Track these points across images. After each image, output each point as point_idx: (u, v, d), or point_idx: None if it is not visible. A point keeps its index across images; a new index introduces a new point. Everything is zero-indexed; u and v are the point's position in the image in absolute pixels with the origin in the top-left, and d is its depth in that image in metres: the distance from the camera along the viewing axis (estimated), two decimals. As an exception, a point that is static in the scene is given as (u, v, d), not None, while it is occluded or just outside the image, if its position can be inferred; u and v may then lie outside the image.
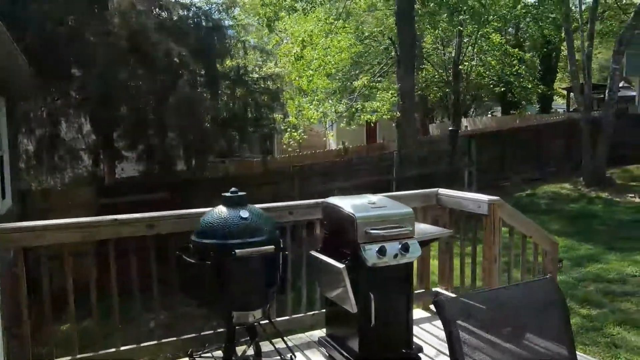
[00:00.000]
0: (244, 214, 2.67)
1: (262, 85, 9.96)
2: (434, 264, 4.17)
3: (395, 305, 3.00)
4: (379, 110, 12.04)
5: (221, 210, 2.71)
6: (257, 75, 9.76)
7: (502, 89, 17.96)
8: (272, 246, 2.64)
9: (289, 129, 12.39)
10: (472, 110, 29.47)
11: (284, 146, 16.77)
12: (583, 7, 14.97)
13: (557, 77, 31.18)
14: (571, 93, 27.50)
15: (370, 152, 14.27)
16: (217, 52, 8.90)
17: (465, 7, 12.35)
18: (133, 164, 9.69)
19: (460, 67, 18.36)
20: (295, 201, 3.53)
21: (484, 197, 3.55)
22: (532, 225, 3.87)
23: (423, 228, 3.31)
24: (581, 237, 8.03)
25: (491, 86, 18.45)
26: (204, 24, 8.98)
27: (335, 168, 10.67)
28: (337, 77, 15.80)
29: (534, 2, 16.90)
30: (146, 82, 8.80)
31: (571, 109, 26.83)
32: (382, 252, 2.77)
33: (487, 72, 17.51)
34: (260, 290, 2.72)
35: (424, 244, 3.23)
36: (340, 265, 2.77)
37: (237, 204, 2.73)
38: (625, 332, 4.42)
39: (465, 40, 17.94)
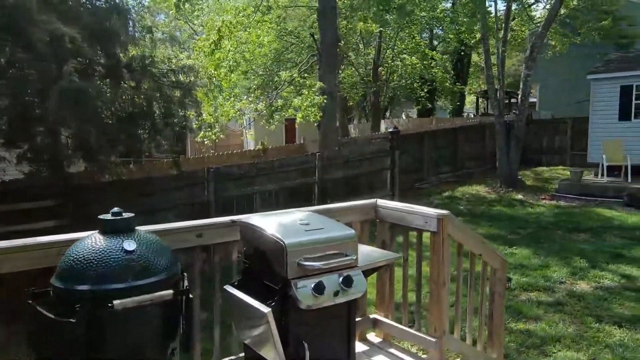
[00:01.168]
0: (129, 245, 1.89)
1: (173, 79, 8.92)
2: (370, 283, 3.62)
3: (334, 353, 2.39)
4: (306, 109, 11.43)
5: (96, 240, 1.91)
6: (166, 68, 8.71)
7: (429, 88, 18.21)
8: (170, 291, 1.90)
9: (203, 127, 11.42)
10: (388, 112, 29.97)
11: (198, 146, 15.66)
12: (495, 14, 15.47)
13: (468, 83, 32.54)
14: (480, 98, 28.95)
15: (290, 153, 13.65)
16: (119, 38, 7.76)
17: (393, 6, 12.12)
18: (19, 164, 8.26)
19: (380, 68, 18.37)
20: (205, 219, 2.79)
21: (432, 212, 3.04)
22: (481, 242, 3.44)
23: (366, 252, 2.72)
24: (504, 240, 8.00)
25: (419, 84, 18.63)
26: (102, 4, 7.82)
27: (255, 170, 9.89)
28: (259, 74, 15.03)
29: (452, 6, 17.31)
30: (31, 70, 7.46)
31: (479, 113, 28.17)
32: (319, 289, 2.14)
33: (411, 73, 17.63)
34: (153, 352, 1.97)
35: (369, 273, 2.65)
36: (265, 309, 2.09)
37: (120, 231, 1.95)
38: (565, 350, 4.17)
39: (383, 44, 17.99)
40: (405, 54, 17.55)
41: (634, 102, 12.32)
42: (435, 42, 26.28)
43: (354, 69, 18.44)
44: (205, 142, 12.47)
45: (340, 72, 18.11)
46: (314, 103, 10.46)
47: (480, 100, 30.12)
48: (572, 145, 16.69)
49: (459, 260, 3.28)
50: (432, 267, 3.08)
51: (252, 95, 12.68)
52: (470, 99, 37.59)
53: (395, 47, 17.43)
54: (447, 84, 18.93)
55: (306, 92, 11.09)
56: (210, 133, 11.90)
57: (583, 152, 13.76)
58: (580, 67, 17.10)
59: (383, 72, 18.44)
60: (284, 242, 2.14)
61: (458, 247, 3.26)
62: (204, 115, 10.68)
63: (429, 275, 3.10)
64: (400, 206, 3.31)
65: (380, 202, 3.43)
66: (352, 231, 2.38)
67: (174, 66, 8.81)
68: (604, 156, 11.83)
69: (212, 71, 11.19)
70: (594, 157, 12.84)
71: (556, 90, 21.30)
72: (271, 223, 2.33)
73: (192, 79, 8.53)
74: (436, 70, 17.53)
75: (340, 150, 11.54)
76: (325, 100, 11.01)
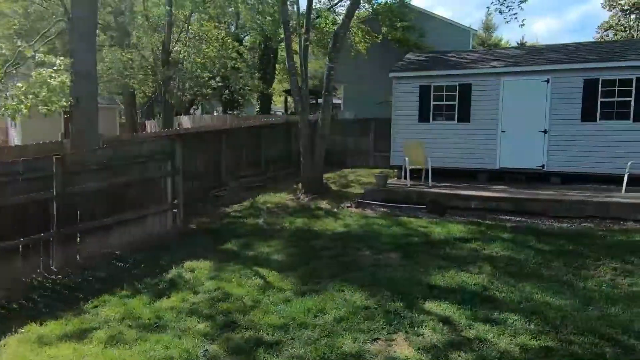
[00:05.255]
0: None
1: None
2: None
3: None
4: (41, 95, 8.12)
5: None
6: None
7: (219, 83, 15.88)
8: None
9: None
10: (193, 107, 27.17)
11: None
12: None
13: (276, 80, 31.70)
14: (288, 96, 28.14)
15: (37, 154, 10.03)
16: None
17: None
18: None
19: (172, 54, 15.58)
20: None
21: None
22: None
23: None
24: (304, 272, 6.25)
25: (208, 79, 16.22)
26: None
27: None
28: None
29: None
30: None
31: (288, 113, 27.32)
32: None
33: (205, 62, 15.16)
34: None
35: None
36: None
37: None
38: None
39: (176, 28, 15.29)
40: (201, 40, 15.11)
41: (432, 102, 12.07)
42: (242, 35, 24.45)
43: (137, 50, 15.27)
44: None
45: (124, 53, 14.83)
46: (50, 86, 7.36)
47: (289, 99, 29.38)
48: (375, 147, 16.44)
49: None
50: None
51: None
52: (280, 99, 36.96)
53: (190, 31, 14.87)
54: (251, 80, 17.09)
55: (44, 72, 7.86)
56: None
57: (386, 154, 13.24)
58: (382, 69, 16.97)
59: (178, 59, 15.67)
60: None
61: None
62: None
63: None
64: None
65: None
66: None
67: None
68: (406, 159, 11.24)
69: None
70: (396, 159, 12.30)
71: (360, 91, 21.34)
72: None
73: None
74: (237, 63, 15.51)
75: (101, 151, 8.57)
76: (72, 82, 7.97)
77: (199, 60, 14.91)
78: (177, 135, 11.12)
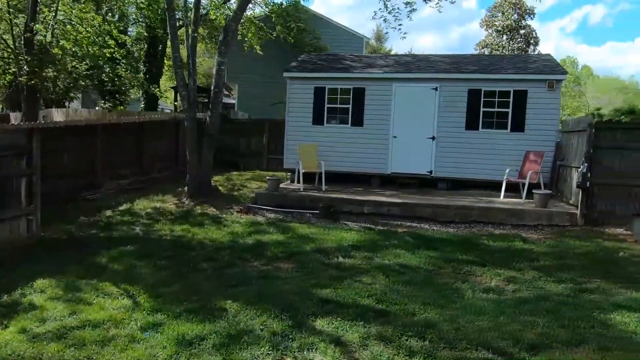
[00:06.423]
0: None
1: None
2: None
3: None
4: None
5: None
6: None
7: (89, 72, 14.17)
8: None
9: None
10: (68, 100, 24.47)
11: None
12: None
13: (167, 76, 29.86)
14: (178, 92, 26.53)
15: None
16: None
17: None
18: None
19: (38, 35, 13.62)
20: None
21: None
22: None
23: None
24: (182, 286, 5.51)
25: (85, 68, 14.43)
26: None
27: None
28: None
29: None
30: None
31: (177, 110, 25.76)
32: None
33: (75, 48, 13.42)
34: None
35: None
36: None
37: None
38: None
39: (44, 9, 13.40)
40: (73, 24, 13.39)
41: (326, 105, 11.84)
42: (125, 25, 22.50)
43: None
44: None
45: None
46: None
47: (179, 95, 27.78)
48: (269, 149, 15.89)
49: None
50: None
51: None
52: (171, 96, 34.98)
53: (57, 11, 13.09)
54: (134, 74, 15.59)
55: None
56: None
57: (281, 156, 12.76)
58: (278, 70, 16.51)
59: (42, 41, 13.73)
60: None
61: None
62: None
63: None
64: None
65: None
66: None
67: None
68: (300, 162, 10.85)
69: None
70: (290, 162, 11.88)
71: (255, 91, 20.72)
72: None
73: None
74: (115, 52, 13.99)
75: None
76: None
77: (69, 46, 13.17)
78: (39, 129, 9.56)
